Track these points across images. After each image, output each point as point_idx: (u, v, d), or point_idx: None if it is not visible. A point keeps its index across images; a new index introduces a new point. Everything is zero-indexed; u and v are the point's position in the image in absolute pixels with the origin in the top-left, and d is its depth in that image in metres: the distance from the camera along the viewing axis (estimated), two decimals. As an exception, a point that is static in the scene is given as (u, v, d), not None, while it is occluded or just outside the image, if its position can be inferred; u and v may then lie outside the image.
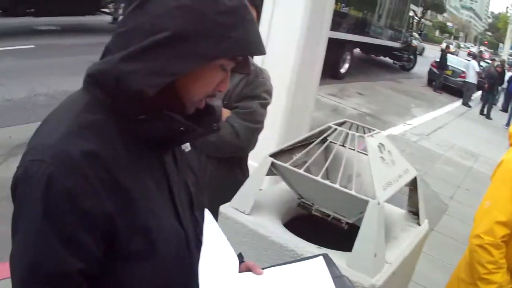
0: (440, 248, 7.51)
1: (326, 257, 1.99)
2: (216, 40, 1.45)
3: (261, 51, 1.55)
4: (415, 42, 34.85)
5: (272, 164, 3.00)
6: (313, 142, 3.22)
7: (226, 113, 3.27)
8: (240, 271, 1.91)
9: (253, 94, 3.32)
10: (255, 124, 3.27)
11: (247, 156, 3.64)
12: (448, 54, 29.76)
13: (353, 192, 2.69)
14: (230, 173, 3.46)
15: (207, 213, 1.83)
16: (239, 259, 1.97)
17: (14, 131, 8.53)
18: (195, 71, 1.50)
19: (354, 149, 3.09)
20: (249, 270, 1.89)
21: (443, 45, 45.05)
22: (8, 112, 9.44)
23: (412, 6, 31.33)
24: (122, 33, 1.50)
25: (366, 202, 2.65)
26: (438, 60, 29.61)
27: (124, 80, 1.42)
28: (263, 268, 1.91)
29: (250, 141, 3.31)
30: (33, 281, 1.38)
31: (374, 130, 3.24)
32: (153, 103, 1.48)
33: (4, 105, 9.73)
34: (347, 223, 2.93)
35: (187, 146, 1.90)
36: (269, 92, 3.41)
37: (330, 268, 1.93)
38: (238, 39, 1.48)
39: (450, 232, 8.29)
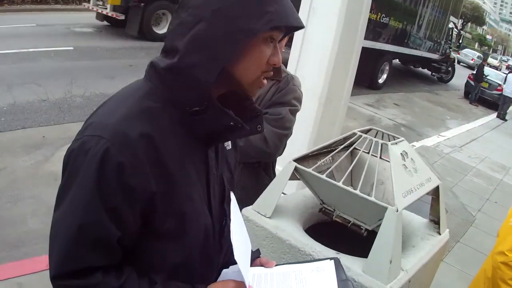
0: (464, 260, 7.45)
1: (336, 261, 2.04)
2: (256, 16, 1.55)
3: (298, 21, 1.67)
4: (453, 54, 34.53)
5: (296, 168, 3.03)
6: (337, 148, 3.25)
7: (255, 118, 3.31)
8: (253, 265, 2.01)
9: (283, 101, 3.34)
10: (283, 130, 3.30)
11: (275, 161, 3.67)
12: (485, 67, 29.41)
13: (372, 199, 2.71)
14: (257, 178, 3.48)
15: (233, 196, 1.93)
16: (255, 254, 2.10)
17: (47, 131, 8.66)
18: (244, 51, 1.61)
19: (377, 156, 3.11)
20: (262, 265, 2.00)
21: (491, 60, 44.27)
22: (43, 112, 9.57)
23: (452, 18, 30.99)
24: (172, 30, 1.66)
25: (385, 208, 2.66)
26: (475, 72, 29.29)
27: (184, 72, 1.58)
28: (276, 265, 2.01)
29: (278, 147, 3.34)
30: (79, 242, 1.52)
31: (398, 138, 3.25)
32: (212, 93, 1.61)
33: (40, 105, 9.86)
34: (366, 229, 2.94)
35: (228, 144, 2.00)
36: (299, 99, 3.44)
37: (338, 271, 1.98)
38: (276, 11, 1.58)
39: (475, 244, 8.20)
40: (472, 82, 29.23)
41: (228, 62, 1.59)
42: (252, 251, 2.09)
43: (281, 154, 3.52)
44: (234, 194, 1.99)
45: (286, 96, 3.35)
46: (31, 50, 13.89)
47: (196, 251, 1.73)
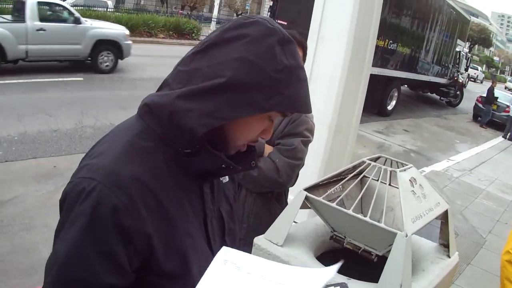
0: (475, 282, 7.48)
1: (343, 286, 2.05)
2: (269, 94, 1.57)
3: (307, 110, 1.68)
4: (461, 78, 34.50)
5: (306, 197, 3.07)
6: (347, 176, 3.30)
7: (268, 149, 3.36)
8: None
9: (295, 132, 3.39)
10: (296, 161, 3.35)
11: (287, 191, 3.72)
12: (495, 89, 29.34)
13: (382, 225, 2.74)
14: (269, 208, 3.52)
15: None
16: None
17: (58, 161, 8.76)
18: (245, 119, 1.63)
19: (386, 183, 3.16)
20: None
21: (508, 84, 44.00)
22: (54, 142, 9.68)
23: (459, 41, 31.01)
24: (183, 71, 1.66)
25: (395, 234, 2.70)
26: (484, 95, 29.21)
27: (178, 116, 1.58)
28: None
29: (290, 177, 3.38)
30: (63, 283, 1.49)
31: (407, 165, 3.29)
32: (200, 139, 1.60)
33: (51, 135, 9.97)
34: (376, 255, 2.98)
35: (225, 178, 2.03)
36: (311, 131, 3.49)
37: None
38: (288, 96, 1.60)
39: (486, 266, 8.22)
40: (481, 105, 29.19)
41: (224, 123, 1.61)
42: None
43: (293, 185, 3.58)
44: (235, 226, 2.04)
45: (299, 127, 3.41)
46: (40, 80, 14.00)
47: None
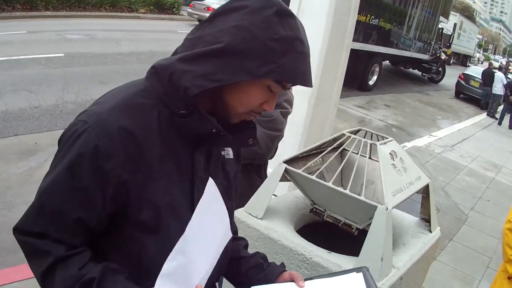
0: (457, 258, 7.51)
1: (365, 274, 2.03)
2: (262, 61, 1.62)
3: (306, 82, 1.71)
4: (443, 55, 34.55)
5: (286, 170, 3.06)
6: (327, 149, 3.29)
7: (247, 120, 3.35)
8: (283, 281, 2.05)
9: None
10: (275, 132, 3.33)
11: (266, 163, 3.70)
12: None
13: (362, 198, 2.74)
14: (249, 180, 3.51)
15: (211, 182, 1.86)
16: (281, 268, 2.14)
17: (40, 138, 8.68)
18: (242, 85, 1.70)
19: (366, 156, 3.15)
20: (292, 280, 2.05)
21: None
22: (35, 119, 9.58)
23: (442, 18, 31.01)
24: (190, 39, 1.76)
25: (375, 207, 2.70)
26: (467, 73, 29.15)
27: (176, 76, 1.66)
28: (304, 280, 2.04)
29: (270, 148, 3.37)
30: (41, 210, 1.67)
31: (387, 138, 3.28)
32: (199, 103, 1.69)
33: (32, 112, 9.86)
34: (357, 229, 2.97)
35: (229, 154, 2.08)
36: (290, 102, 3.48)
37: (368, 285, 1.97)
38: (283, 65, 1.64)
39: (468, 242, 8.27)
40: (463, 82, 29.29)
41: (217, 86, 1.65)
42: (275, 264, 2.16)
43: (272, 157, 3.56)
44: (230, 202, 2.05)
45: (278, 98, 3.39)
46: (22, 57, 13.87)
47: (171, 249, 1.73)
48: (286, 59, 1.63)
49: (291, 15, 1.70)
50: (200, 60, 1.64)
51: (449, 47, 39.61)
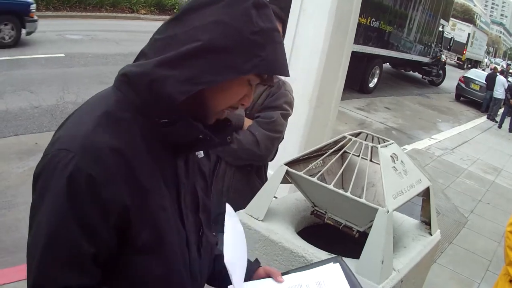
0: (457, 261, 7.52)
1: (342, 264, 2.03)
2: (247, 56, 1.55)
3: (285, 73, 1.65)
4: (444, 57, 34.52)
5: (287, 172, 3.06)
6: (328, 151, 3.28)
7: (248, 122, 3.34)
8: (259, 277, 2.01)
9: (275, 105, 3.38)
10: (275, 134, 3.33)
11: (266, 165, 3.70)
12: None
13: (363, 200, 2.74)
14: (249, 181, 3.51)
15: (228, 207, 1.95)
16: (255, 264, 2.08)
17: (40, 138, 8.66)
18: (224, 83, 1.58)
19: (367, 159, 3.15)
20: (269, 276, 2.01)
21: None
22: (36, 119, 9.57)
23: (442, 21, 30.96)
24: (159, 40, 1.62)
25: (376, 210, 2.70)
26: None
27: (158, 83, 1.52)
28: (282, 274, 2.01)
29: (270, 150, 3.37)
30: (53, 263, 1.47)
31: (388, 141, 3.28)
32: (179, 107, 1.55)
33: (32, 112, 9.85)
34: (358, 231, 2.97)
35: (200, 153, 1.98)
36: (290, 104, 3.48)
37: (347, 276, 1.97)
38: (266, 58, 1.57)
39: (468, 245, 8.28)
40: (463, 85, 29.25)
41: (201, 88, 1.56)
42: (250, 261, 2.08)
43: (272, 159, 3.56)
44: (210, 201, 2.02)
45: (278, 100, 3.39)
46: (22, 57, 13.87)
47: (176, 263, 1.71)
48: (267, 51, 1.57)
49: (266, 5, 1.63)
50: (181, 63, 1.53)
51: (449, 50, 39.62)
